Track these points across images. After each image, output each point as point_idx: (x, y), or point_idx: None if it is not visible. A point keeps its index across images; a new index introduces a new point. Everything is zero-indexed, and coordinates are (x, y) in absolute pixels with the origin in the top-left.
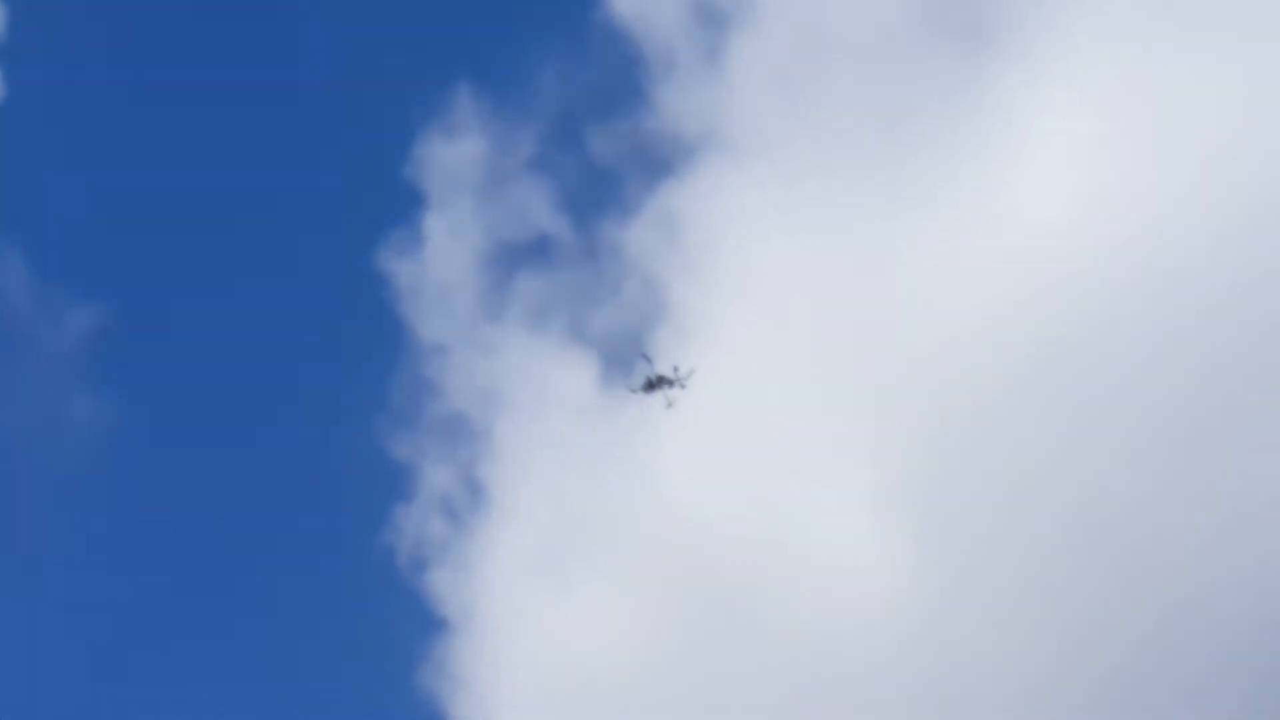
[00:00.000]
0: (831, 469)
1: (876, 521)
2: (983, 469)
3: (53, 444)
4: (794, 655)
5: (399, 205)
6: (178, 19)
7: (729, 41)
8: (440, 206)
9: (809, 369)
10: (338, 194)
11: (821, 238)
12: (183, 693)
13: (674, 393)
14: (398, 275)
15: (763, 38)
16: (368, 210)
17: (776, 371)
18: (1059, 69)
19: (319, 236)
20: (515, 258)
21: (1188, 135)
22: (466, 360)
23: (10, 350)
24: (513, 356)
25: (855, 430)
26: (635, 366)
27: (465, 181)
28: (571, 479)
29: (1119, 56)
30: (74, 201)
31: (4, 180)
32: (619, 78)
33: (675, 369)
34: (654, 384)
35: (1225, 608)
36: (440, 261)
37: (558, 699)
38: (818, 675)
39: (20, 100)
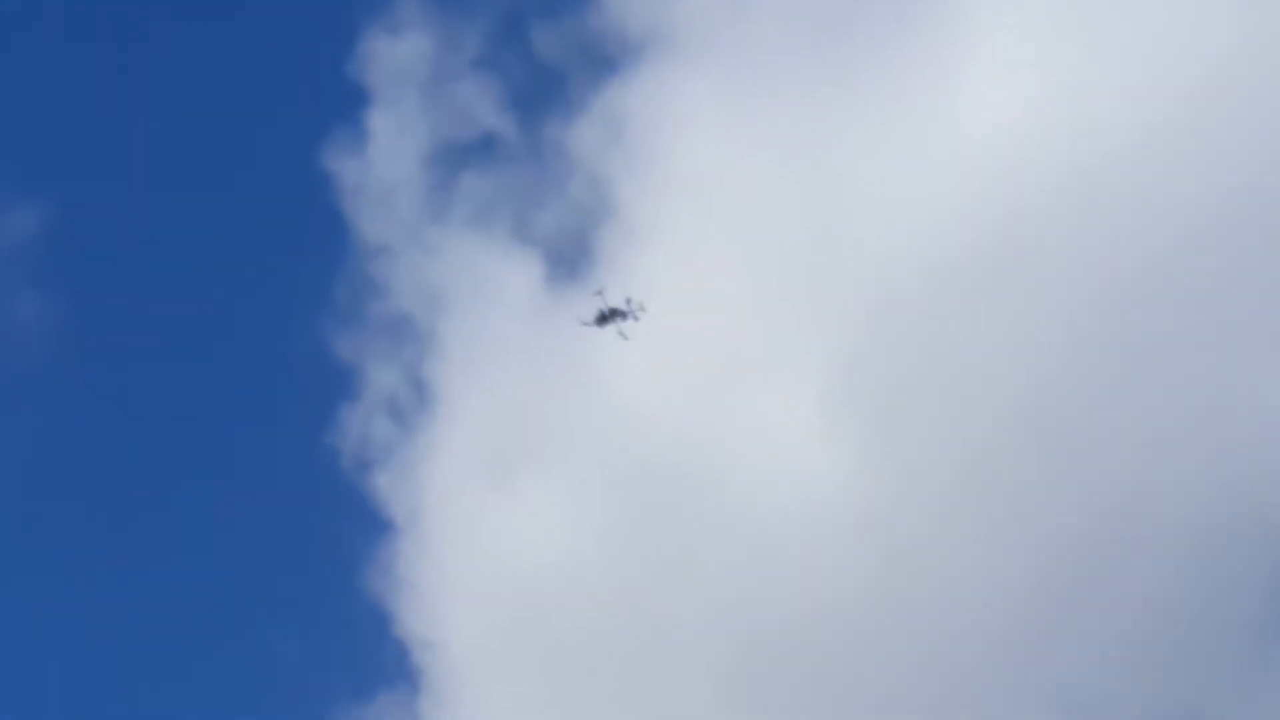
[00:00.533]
0: (776, 368)
1: (821, 420)
2: (925, 367)
3: None
4: (739, 555)
5: (343, 103)
6: None
7: None
8: (385, 105)
9: (754, 269)
10: (282, 92)
11: (767, 138)
12: (124, 592)
13: (627, 325)
14: (342, 174)
15: None
16: (312, 108)
17: (722, 272)
18: None
19: (262, 135)
20: (460, 157)
21: (1122, 30)
22: (411, 260)
23: None
24: (458, 256)
25: (799, 329)
26: (583, 276)
27: (410, 79)
28: (517, 379)
29: None
30: (15, 100)
31: None
32: None
33: (628, 300)
34: (607, 316)
35: (1160, 501)
36: (385, 160)
37: (504, 600)
38: (762, 575)
39: None
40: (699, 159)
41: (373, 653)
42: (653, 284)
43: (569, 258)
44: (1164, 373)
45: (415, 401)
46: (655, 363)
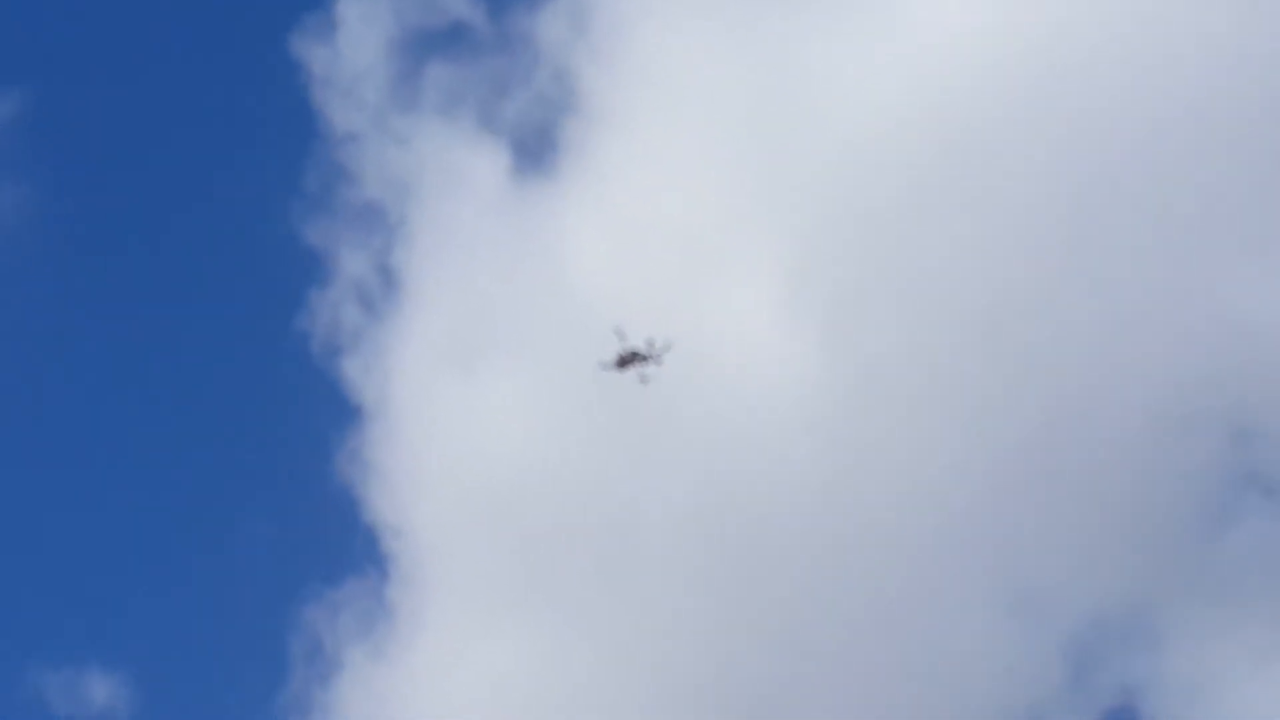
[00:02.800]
0: (740, 262)
1: (783, 314)
2: (887, 265)
3: None
4: (702, 446)
5: None
6: None
7: None
8: None
9: (718, 162)
10: None
11: (733, 30)
12: (95, 477)
13: (649, 368)
14: (311, 63)
15: None
16: None
17: (687, 165)
18: None
19: (232, 24)
20: (428, 46)
21: None
22: (380, 148)
23: None
24: (426, 145)
25: (763, 224)
26: (550, 166)
27: None
28: (484, 267)
29: None
30: None
31: None
32: None
33: (650, 343)
34: (627, 360)
35: (1115, 398)
36: (353, 49)
37: (472, 487)
38: (726, 466)
39: None
40: (665, 51)
41: (342, 538)
42: (617, 175)
43: (535, 148)
44: (1119, 271)
45: (383, 288)
46: (619, 252)
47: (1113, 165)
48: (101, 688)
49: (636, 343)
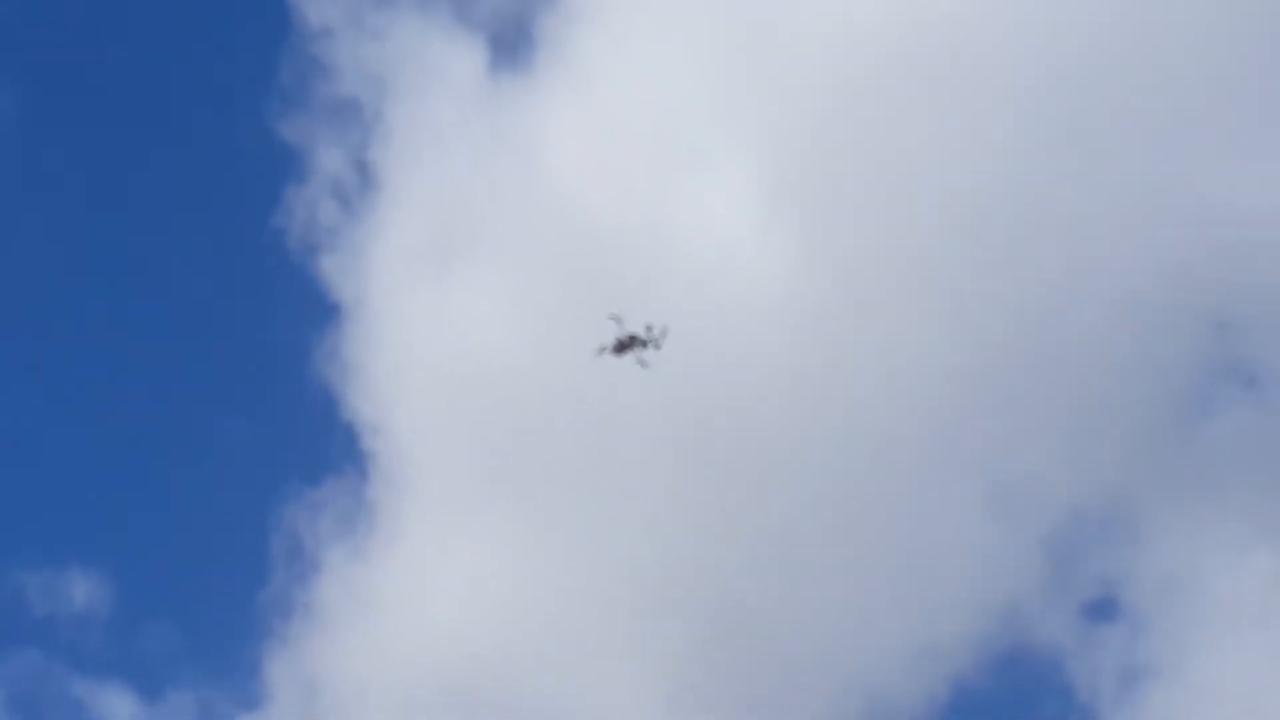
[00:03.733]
0: (720, 159)
1: (763, 211)
2: (867, 160)
3: None
4: (682, 345)
5: None
6: None
7: None
8: None
9: (699, 59)
10: None
11: None
12: (75, 378)
13: (648, 353)
14: None
15: None
16: None
17: (666, 61)
18: None
19: None
20: None
21: None
22: (355, 43)
23: None
24: (402, 39)
25: (744, 119)
26: (526, 62)
27: None
28: (461, 164)
29: None
30: None
31: None
32: None
33: (648, 328)
34: (625, 344)
35: (1094, 289)
36: None
37: (449, 385)
38: (704, 366)
39: None
40: None
41: (321, 437)
42: (596, 70)
43: (512, 43)
44: (1098, 162)
45: (360, 186)
46: (597, 149)
47: (1090, 57)
48: (81, 587)
49: (635, 327)
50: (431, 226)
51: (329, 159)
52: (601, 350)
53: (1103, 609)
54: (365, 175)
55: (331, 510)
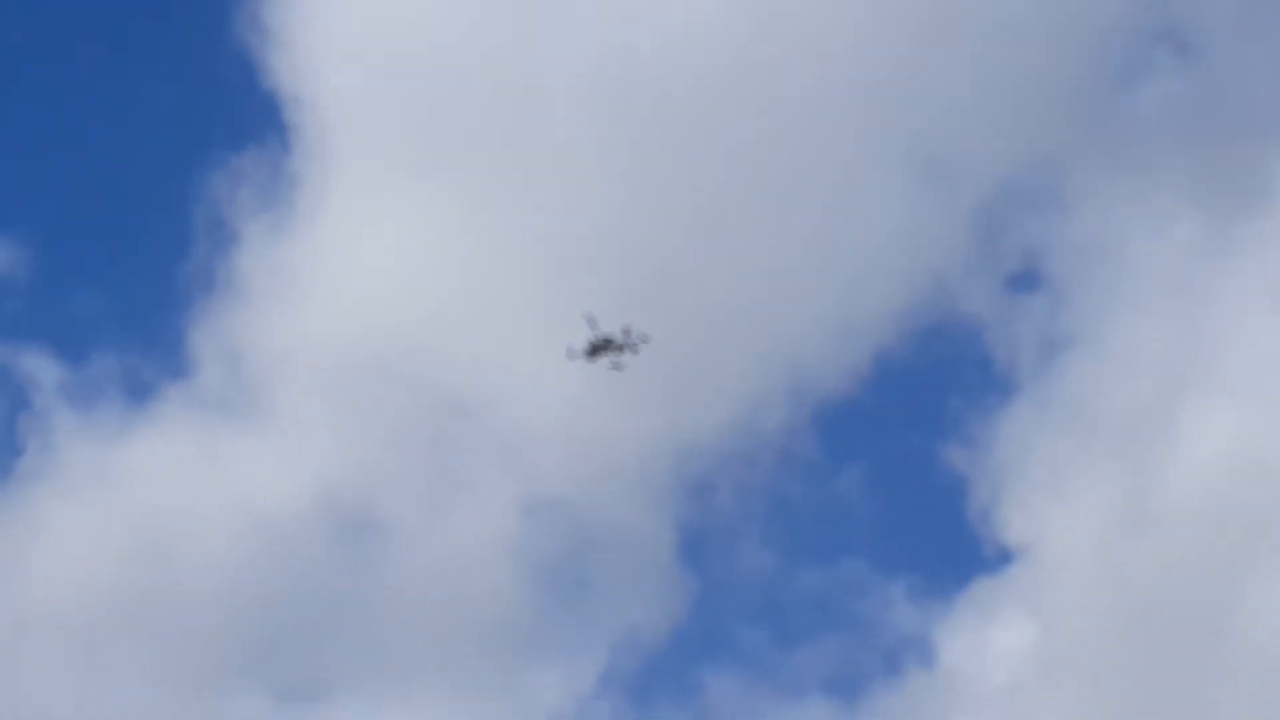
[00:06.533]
0: None
1: None
2: None
3: None
4: (610, 13)
5: None
6: None
7: None
8: None
9: None
10: None
11: None
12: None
13: (623, 357)
14: None
15: None
16: None
17: None
18: None
19: None
20: None
21: None
22: None
23: None
24: None
25: None
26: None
27: None
28: None
29: None
30: None
31: None
32: None
33: (625, 331)
34: (599, 348)
35: None
36: None
37: (373, 55)
38: (634, 34)
39: None
40: None
41: (242, 104)
42: None
43: None
44: None
45: None
46: None
47: None
48: (1, 254)
49: (609, 330)
50: None
51: None
52: (573, 353)
53: (1026, 280)
54: None
55: (253, 181)
